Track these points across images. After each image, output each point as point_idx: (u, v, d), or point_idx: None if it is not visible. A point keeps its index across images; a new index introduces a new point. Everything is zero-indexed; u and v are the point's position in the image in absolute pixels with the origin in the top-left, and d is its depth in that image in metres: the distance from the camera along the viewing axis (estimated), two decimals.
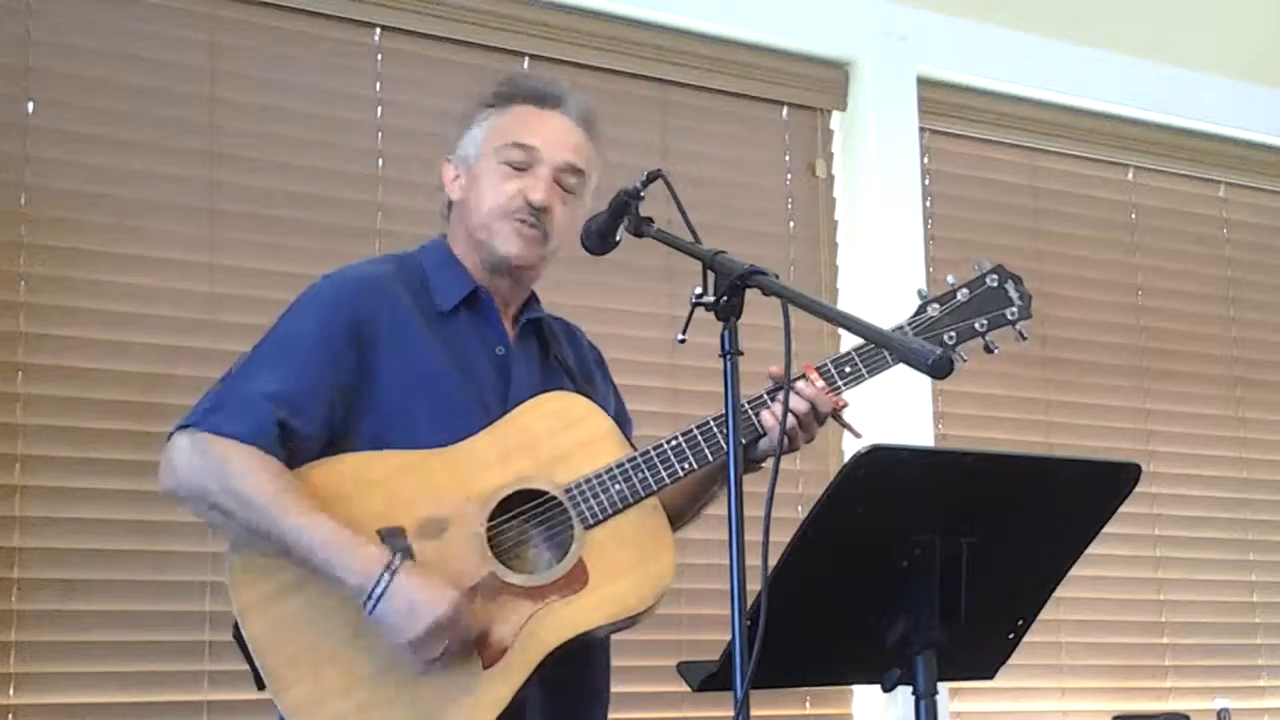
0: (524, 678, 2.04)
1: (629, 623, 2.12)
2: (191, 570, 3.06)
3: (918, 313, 2.23)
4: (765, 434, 2.14)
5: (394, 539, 2.05)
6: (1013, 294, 2.24)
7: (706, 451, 2.15)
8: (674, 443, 2.14)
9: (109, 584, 3.01)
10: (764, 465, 2.21)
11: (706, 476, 2.23)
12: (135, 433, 3.06)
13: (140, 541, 3.04)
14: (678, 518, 2.27)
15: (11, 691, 2.90)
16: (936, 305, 2.22)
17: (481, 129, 2.30)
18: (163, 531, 3.04)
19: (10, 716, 2.89)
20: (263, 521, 2.02)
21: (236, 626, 2.08)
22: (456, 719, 2.02)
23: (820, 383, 2.16)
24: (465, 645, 2.02)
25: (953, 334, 2.21)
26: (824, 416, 2.16)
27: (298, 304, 2.22)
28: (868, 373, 2.19)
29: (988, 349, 2.24)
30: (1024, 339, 2.25)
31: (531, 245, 2.24)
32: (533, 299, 2.35)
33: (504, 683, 2.03)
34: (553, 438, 2.15)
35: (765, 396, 2.15)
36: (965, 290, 2.23)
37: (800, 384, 2.15)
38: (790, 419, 2.11)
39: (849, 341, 3.79)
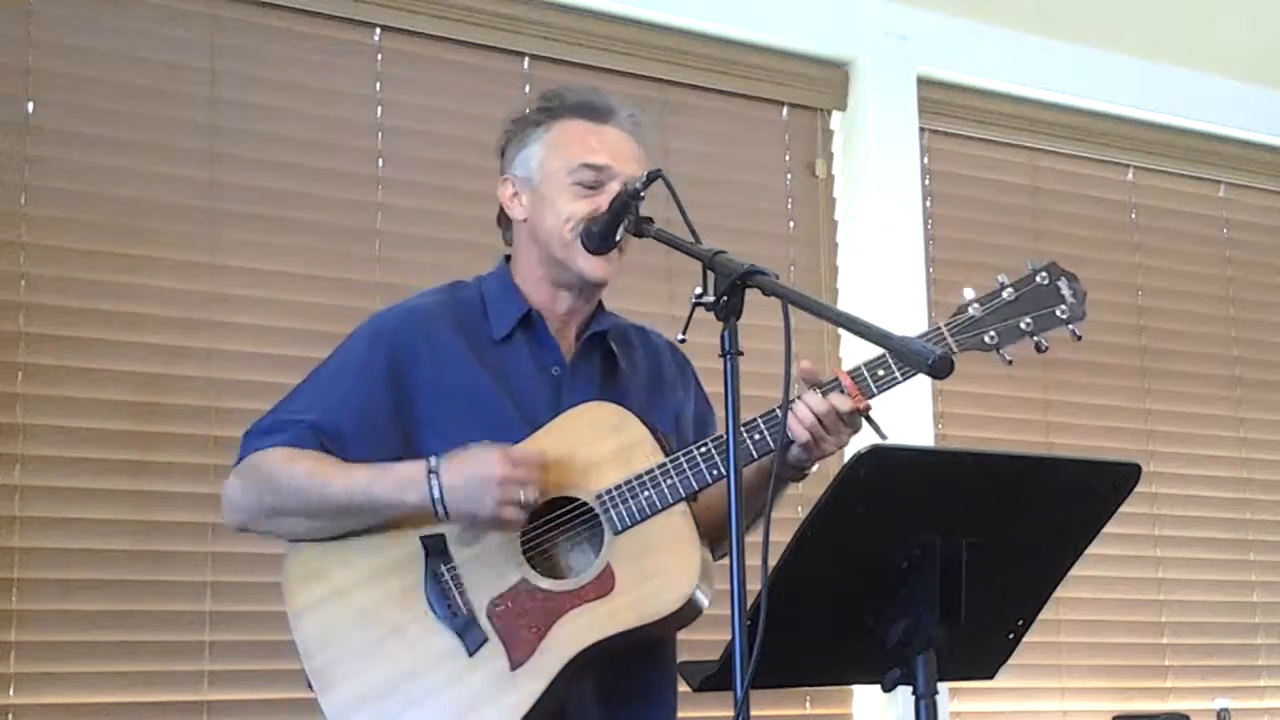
0: (547, 682, 2.06)
1: (668, 625, 2.12)
2: (191, 570, 3.07)
3: (957, 312, 2.14)
4: (795, 440, 2.11)
5: (433, 544, 2.11)
6: (1065, 292, 2.13)
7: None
8: (704, 449, 2.13)
9: (109, 584, 3.01)
10: (810, 471, 2.19)
11: (746, 486, 2.21)
12: (135, 433, 3.07)
13: (140, 541, 3.04)
14: (720, 531, 2.20)
15: (11, 691, 2.90)
16: (978, 305, 2.13)
17: (539, 147, 2.28)
18: (163, 531, 3.05)
19: (10, 716, 2.89)
20: (312, 498, 2.10)
21: None
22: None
23: (850, 385, 2.11)
24: (536, 477, 2.07)
25: (994, 334, 2.11)
26: (854, 421, 2.12)
27: (345, 341, 2.27)
28: (901, 376, 2.11)
29: (1038, 349, 2.14)
30: (1078, 338, 2.14)
31: (610, 265, 2.25)
32: (599, 311, 2.35)
33: (528, 686, 2.06)
34: (588, 446, 2.15)
35: (793, 401, 2.10)
36: (1011, 289, 2.13)
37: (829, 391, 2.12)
38: (813, 421, 2.09)
39: (849, 341, 3.86)
